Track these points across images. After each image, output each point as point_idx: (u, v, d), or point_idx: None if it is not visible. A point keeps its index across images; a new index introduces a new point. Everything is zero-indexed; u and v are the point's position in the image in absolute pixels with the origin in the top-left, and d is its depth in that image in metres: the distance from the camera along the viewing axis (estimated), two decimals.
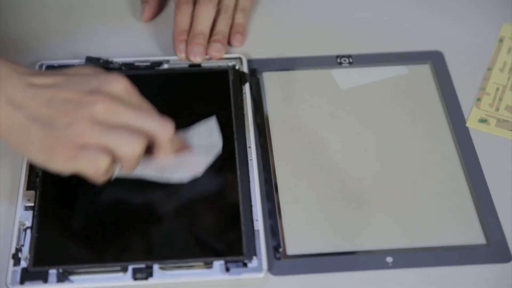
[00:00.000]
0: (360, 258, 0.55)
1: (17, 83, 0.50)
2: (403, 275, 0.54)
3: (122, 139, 0.50)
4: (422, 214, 0.57)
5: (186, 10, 0.66)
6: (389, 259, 0.55)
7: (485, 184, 0.59)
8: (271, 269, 0.54)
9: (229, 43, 0.67)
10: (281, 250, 0.55)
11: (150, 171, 0.54)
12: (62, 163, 0.50)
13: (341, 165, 0.60)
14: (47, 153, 0.50)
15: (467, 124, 0.63)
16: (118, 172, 0.52)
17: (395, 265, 0.54)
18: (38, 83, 0.51)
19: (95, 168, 0.50)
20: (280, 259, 0.55)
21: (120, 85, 0.51)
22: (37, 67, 0.63)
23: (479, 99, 0.65)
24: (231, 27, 0.68)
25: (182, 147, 0.55)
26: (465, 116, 0.63)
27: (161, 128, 0.52)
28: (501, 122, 0.63)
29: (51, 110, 0.50)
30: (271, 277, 0.54)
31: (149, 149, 0.53)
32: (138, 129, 0.51)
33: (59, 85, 0.51)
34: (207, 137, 0.58)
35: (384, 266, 0.54)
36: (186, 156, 0.55)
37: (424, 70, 0.66)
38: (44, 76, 0.51)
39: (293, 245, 0.55)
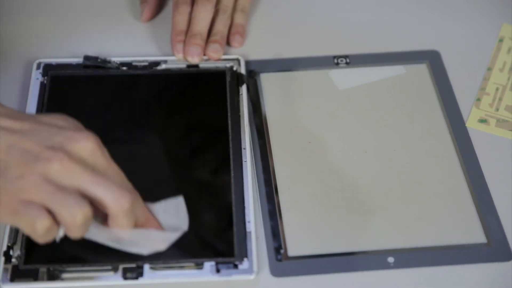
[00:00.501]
0: (361, 259, 0.55)
1: None
2: (405, 275, 0.54)
3: (65, 205, 0.47)
4: (422, 214, 0.57)
5: (184, 11, 0.66)
6: (391, 259, 0.55)
7: (485, 183, 0.59)
8: (273, 270, 0.54)
9: (228, 43, 0.67)
10: (282, 251, 0.55)
11: (103, 238, 0.51)
12: (3, 216, 0.48)
13: (341, 165, 0.60)
14: None
15: (467, 124, 0.63)
16: (61, 235, 0.49)
17: (397, 265, 0.54)
18: (5, 126, 0.49)
19: (31, 228, 0.47)
20: (282, 261, 0.55)
21: (85, 145, 0.48)
22: (35, 65, 0.64)
23: (479, 99, 0.64)
24: (230, 28, 0.68)
25: (148, 218, 0.52)
26: (464, 115, 0.63)
27: (115, 199, 0.48)
28: (501, 122, 0.63)
29: (8, 157, 0.48)
30: (273, 279, 0.54)
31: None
32: (91, 196, 0.48)
33: (24, 133, 0.49)
34: (173, 214, 0.53)
35: (386, 266, 0.54)
36: (148, 231, 0.52)
37: (421, 70, 0.66)
38: (13, 119, 0.49)
39: (294, 246, 0.55)
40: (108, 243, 0.51)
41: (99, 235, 0.50)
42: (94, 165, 0.49)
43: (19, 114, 0.51)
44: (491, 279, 0.54)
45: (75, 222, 0.47)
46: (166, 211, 0.53)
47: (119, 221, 0.49)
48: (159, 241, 0.52)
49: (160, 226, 0.52)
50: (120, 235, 0.50)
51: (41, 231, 0.47)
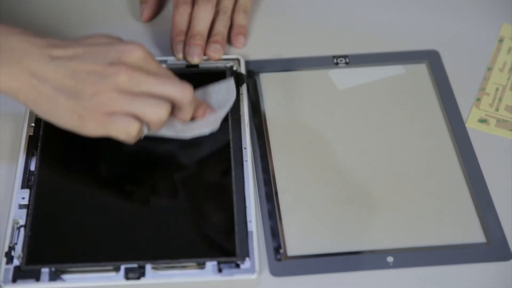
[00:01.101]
0: (361, 258, 0.55)
1: (38, 57, 0.53)
2: (404, 275, 0.54)
3: (148, 106, 0.53)
4: (422, 213, 0.57)
5: (184, 11, 0.66)
6: (390, 259, 0.55)
7: (484, 183, 0.59)
8: (272, 270, 0.54)
9: (231, 44, 0.67)
10: (281, 251, 0.55)
11: (171, 131, 0.58)
12: (93, 129, 0.53)
13: (341, 165, 0.60)
14: (77, 120, 0.53)
15: (467, 124, 0.63)
16: (146, 132, 0.55)
17: (396, 265, 0.55)
18: (59, 55, 0.53)
19: (126, 133, 0.53)
20: (281, 260, 0.55)
21: (138, 54, 0.54)
22: None
23: (478, 99, 0.65)
24: (232, 28, 0.68)
25: (201, 106, 0.58)
26: (464, 115, 0.63)
27: (181, 93, 0.54)
28: (501, 122, 0.63)
29: (75, 81, 0.52)
30: (272, 278, 0.54)
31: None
32: (160, 95, 0.54)
33: (80, 57, 0.53)
34: (224, 94, 0.61)
35: (385, 266, 0.54)
36: (202, 119, 0.59)
37: (421, 70, 0.66)
38: (63, 48, 0.54)
39: (294, 246, 0.55)
40: (173, 135, 0.58)
41: (168, 129, 0.57)
42: (148, 68, 0.54)
43: (65, 41, 0.55)
44: (490, 278, 0.54)
45: (161, 118, 0.54)
46: (218, 92, 0.61)
47: (187, 110, 0.56)
48: (214, 121, 0.59)
49: (210, 108, 0.59)
50: (184, 123, 0.58)
51: (134, 133, 0.53)
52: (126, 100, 0.53)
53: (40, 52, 0.53)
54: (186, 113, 0.57)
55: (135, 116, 0.53)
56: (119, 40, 0.55)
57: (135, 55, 0.54)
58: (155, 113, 0.53)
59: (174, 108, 0.56)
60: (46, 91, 0.52)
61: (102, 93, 0.52)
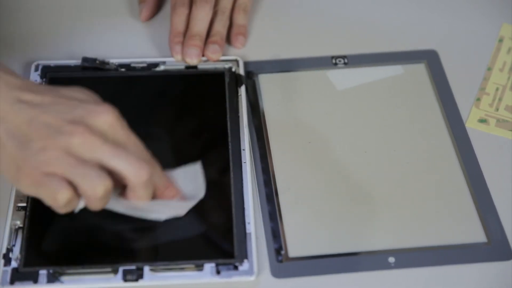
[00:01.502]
0: (362, 259, 0.55)
1: (5, 96, 0.50)
2: (406, 275, 0.54)
3: (87, 177, 0.49)
4: (422, 213, 0.57)
5: (182, 12, 0.66)
6: (391, 259, 0.55)
7: (485, 182, 0.59)
8: (273, 271, 0.54)
9: (231, 44, 0.67)
10: (283, 252, 0.55)
11: (122, 208, 0.53)
12: (26, 186, 0.49)
13: (341, 165, 0.60)
14: (15, 172, 0.49)
15: (467, 124, 0.63)
16: (81, 207, 0.50)
17: (397, 265, 0.55)
18: (26, 99, 0.50)
19: (53, 199, 0.49)
20: (282, 262, 0.55)
21: (105, 118, 0.50)
22: (33, 67, 0.64)
23: (478, 99, 0.65)
24: (231, 28, 0.68)
25: (167, 185, 0.54)
26: (463, 115, 0.63)
27: (134, 170, 0.50)
28: (501, 122, 0.63)
29: (30, 130, 0.49)
30: (274, 280, 0.54)
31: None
32: (111, 168, 0.49)
33: (45, 107, 0.50)
34: (191, 181, 0.55)
35: (387, 266, 0.54)
36: (166, 201, 0.53)
37: (419, 70, 0.66)
38: (33, 93, 0.50)
39: (295, 247, 0.55)
40: (127, 213, 0.53)
41: (118, 205, 0.52)
42: (114, 137, 0.50)
43: (38, 86, 0.52)
44: (491, 278, 0.54)
45: (96, 195, 0.49)
46: (184, 177, 0.55)
47: (137, 192, 0.51)
48: (178, 208, 0.54)
49: (179, 193, 0.54)
50: (139, 205, 0.52)
51: (62, 202, 0.49)
52: (69, 164, 0.48)
53: (8, 92, 0.50)
54: (138, 195, 0.51)
55: (71, 184, 0.49)
56: (95, 101, 0.51)
57: (102, 118, 0.50)
58: (91, 186, 0.48)
59: (126, 186, 0.51)
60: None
61: (49, 149, 0.48)
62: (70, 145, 0.49)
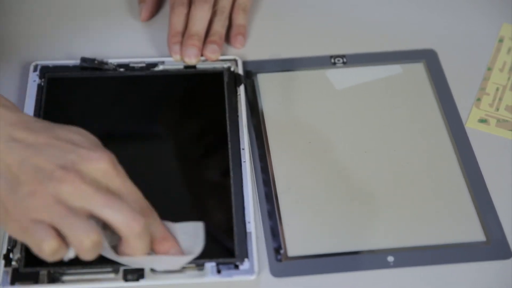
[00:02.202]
0: (361, 258, 0.55)
1: None
2: (405, 274, 0.54)
3: (74, 229, 0.46)
4: (422, 213, 0.57)
5: (181, 12, 0.66)
6: (390, 259, 0.55)
7: (484, 182, 0.59)
8: (273, 271, 0.54)
9: (230, 44, 0.67)
10: (282, 251, 0.55)
11: (116, 258, 0.51)
12: (13, 231, 0.48)
13: (340, 165, 0.60)
14: (3, 214, 0.47)
15: (467, 124, 0.63)
16: (71, 256, 0.48)
17: (396, 264, 0.55)
18: (19, 138, 0.48)
19: (38, 248, 0.47)
20: (281, 261, 0.55)
21: (99, 165, 0.48)
22: (32, 67, 0.64)
23: (479, 99, 0.65)
24: (231, 28, 0.68)
25: (165, 237, 0.51)
26: (463, 115, 0.63)
27: (127, 222, 0.48)
28: (501, 122, 0.63)
29: (20, 172, 0.47)
30: (273, 279, 0.54)
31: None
32: (102, 219, 0.48)
33: (38, 148, 0.48)
34: (191, 236, 0.53)
35: (386, 265, 0.55)
36: (161, 256, 0.51)
37: (418, 69, 0.66)
38: (28, 131, 0.49)
39: (294, 246, 0.55)
40: (122, 262, 0.51)
41: (112, 255, 0.50)
42: (107, 185, 0.48)
43: (35, 124, 0.50)
44: (490, 277, 0.54)
45: (82, 248, 0.47)
46: (184, 232, 0.53)
47: (131, 244, 0.49)
48: (173, 262, 0.52)
49: (176, 245, 0.52)
50: (134, 256, 0.50)
51: (48, 252, 0.47)
52: (58, 213, 0.46)
53: (2, 128, 0.48)
54: (132, 249, 0.49)
55: (58, 234, 0.47)
56: (92, 144, 0.49)
57: (95, 166, 0.47)
58: (77, 238, 0.46)
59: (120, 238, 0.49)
60: None
61: (38, 195, 0.46)
62: (60, 192, 0.46)
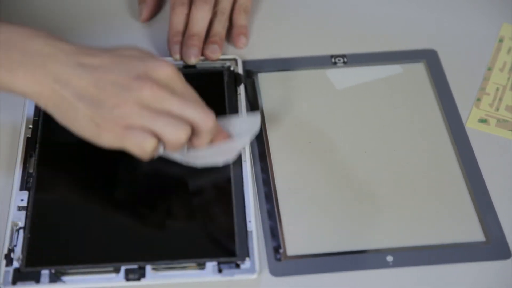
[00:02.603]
0: (360, 258, 0.55)
1: (64, 62, 0.52)
2: (404, 274, 0.54)
3: (169, 126, 0.52)
4: (421, 213, 0.57)
5: (181, 12, 0.66)
6: (390, 258, 0.55)
7: (483, 182, 0.59)
8: (272, 270, 0.54)
9: (233, 44, 0.67)
10: (281, 251, 0.55)
11: (182, 156, 0.56)
12: (109, 140, 0.52)
13: (340, 165, 0.60)
14: (95, 129, 0.52)
15: (467, 124, 0.63)
16: (162, 152, 0.54)
17: (396, 264, 0.55)
18: (86, 62, 0.52)
19: (141, 149, 0.52)
20: (281, 260, 0.55)
21: (166, 71, 0.53)
22: None
23: (479, 99, 0.65)
24: (232, 29, 0.68)
25: (219, 130, 0.57)
26: (463, 115, 0.64)
27: (203, 118, 0.53)
28: (501, 122, 0.63)
29: (98, 90, 0.51)
30: (272, 278, 0.54)
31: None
32: (181, 116, 0.53)
33: (107, 67, 0.52)
34: (246, 125, 0.59)
35: (385, 265, 0.55)
36: (220, 144, 0.57)
37: (418, 69, 0.66)
38: (91, 56, 0.53)
39: (294, 246, 0.56)
40: (182, 160, 0.56)
41: (181, 153, 0.56)
42: (174, 88, 0.53)
43: (93, 50, 0.54)
44: (490, 277, 0.54)
45: (180, 140, 0.53)
46: (241, 124, 0.59)
47: (204, 137, 0.55)
48: (229, 152, 0.57)
49: (228, 136, 0.57)
50: (200, 150, 0.56)
51: (150, 149, 0.52)
52: (146, 117, 0.52)
53: (66, 58, 0.52)
54: (203, 140, 0.55)
55: (154, 133, 0.52)
56: (150, 56, 0.54)
57: (163, 72, 0.53)
58: (175, 134, 0.52)
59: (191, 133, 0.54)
60: (67, 97, 0.51)
61: (123, 105, 0.51)
62: (141, 99, 0.52)
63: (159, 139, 0.52)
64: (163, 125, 0.52)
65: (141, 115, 0.51)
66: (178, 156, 0.56)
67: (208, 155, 0.56)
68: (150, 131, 0.52)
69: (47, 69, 0.51)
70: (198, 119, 0.53)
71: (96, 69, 0.52)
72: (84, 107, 0.51)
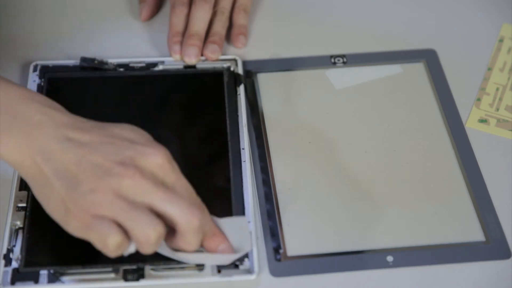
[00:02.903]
0: (360, 258, 0.55)
1: (52, 134, 0.48)
2: (404, 274, 0.54)
3: (139, 223, 0.47)
4: (421, 213, 0.57)
5: (181, 12, 0.66)
6: (390, 258, 0.55)
7: (483, 182, 0.59)
8: (272, 270, 0.54)
9: (232, 44, 0.67)
10: (281, 251, 0.55)
11: (168, 253, 0.51)
12: (75, 229, 0.48)
13: (340, 165, 0.60)
14: (64, 213, 0.48)
15: (467, 124, 0.63)
16: (132, 251, 0.49)
17: (396, 264, 0.55)
18: (74, 138, 0.49)
19: (103, 243, 0.47)
20: (281, 261, 0.55)
21: (156, 160, 0.48)
22: (32, 67, 0.64)
23: (479, 99, 0.65)
24: (232, 28, 0.68)
25: (215, 233, 0.52)
26: (464, 115, 0.64)
27: (185, 217, 0.48)
28: (501, 122, 0.63)
29: (79, 171, 0.48)
30: (272, 279, 0.54)
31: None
32: (161, 212, 0.48)
33: (94, 146, 0.48)
34: (237, 231, 0.53)
35: (385, 265, 0.55)
36: (212, 254, 0.52)
37: (418, 69, 0.66)
38: (81, 131, 0.49)
39: (293, 246, 0.55)
40: (176, 258, 0.51)
41: (164, 250, 0.50)
42: (163, 179, 0.49)
43: (86, 124, 0.50)
44: (490, 277, 0.54)
45: (149, 241, 0.47)
46: (231, 227, 0.52)
47: (188, 238, 0.49)
48: (224, 259, 0.52)
49: (226, 241, 0.52)
50: (187, 252, 0.50)
51: (112, 246, 0.47)
52: (120, 208, 0.47)
53: (55, 130, 0.49)
54: (187, 244, 0.49)
55: (121, 228, 0.47)
56: (145, 139, 0.50)
57: (152, 161, 0.48)
58: (144, 232, 0.47)
59: (175, 233, 0.49)
60: (46, 172, 0.48)
61: (99, 191, 0.47)
62: (120, 188, 0.47)
63: (128, 236, 0.48)
64: (133, 220, 0.47)
65: (114, 205, 0.47)
66: (163, 251, 0.51)
67: (198, 257, 0.51)
68: (117, 226, 0.47)
69: (33, 139, 0.48)
70: (179, 216, 0.48)
71: (82, 146, 0.48)
72: (59, 186, 0.47)
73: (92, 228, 0.47)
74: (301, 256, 0.55)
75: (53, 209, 0.48)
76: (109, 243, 0.47)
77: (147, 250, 0.48)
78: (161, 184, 0.48)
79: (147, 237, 0.47)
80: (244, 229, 0.53)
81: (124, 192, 0.47)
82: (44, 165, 0.48)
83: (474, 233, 0.56)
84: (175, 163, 0.50)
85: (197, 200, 0.50)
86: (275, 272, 0.54)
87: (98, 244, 0.47)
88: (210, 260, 0.52)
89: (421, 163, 0.60)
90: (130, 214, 0.47)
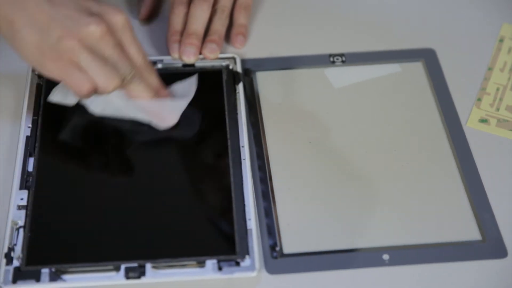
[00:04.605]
0: (356, 256, 0.55)
1: None
2: (400, 272, 0.55)
3: (103, 73, 0.54)
4: (418, 211, 0.57)
5: (180, 11, 0.66)
6: (386, 256, 0.55)
7: (480, 180, 0.59)
8: (268, 268, 0.54)
9: (230, 43, 0.67)
10: (277, 249, 0.55)
11: (126, 104, 0.58)
12: (52, 71, 0.54)
13: (336, 163, 0.60)
14: (39, 57, 0.53)
15: (468, 124, 0.63)
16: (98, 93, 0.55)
17: (392, 262, 0.55)
18: None
19: (79, 89, 0.54)
20: (277, 258, 0.55)
21: (120, 18, 0.55)
22: (31, 67, 0.63)
23: (479, 99, 0.65)
24: (232, 28, 0.68)
25: (161, 88, 0.59)
26: (465, 115, 0.64)
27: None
28: (501, 122, 0.63)
29: (50, 20, 0.53)
30: (268, 276, 0.54)
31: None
32: (114, 65, 0.55)
33: (65, 3, 0.54)
34: (186, 89, 0.61)
35: (381, 263, 0.55)
36: (159, 102, 0.59)
37: (417, 68, 0.67)
38: None
39: (290, 243, 0.56)
40: (119, 112, 0.59)
41: (118, 99, 0.58)
42: (121, 37, 0.55)
43: None
44: (486, 276, 0.55)
45: (108, 89, 0.55)
46: (180, 89, 0.61)
47: (132, 88, 0.57)
48: (170, 114, 0.59)
49: (168, 95, 0.60)
50: (141, 103, 0.58)
51: (85, 92, 0.54)
52: (87, 57, 0.53)
53: None
54: (131, 90, 0.57)
55: (91, 78, 0.54)
56: (111, 5, 0.56)
57: (117, 17, 0.54)
58: (107, 82, 0.54)
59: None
60: (17, 21, 0.53)
61: (68, 38, 0.53)
62: (87, 36, 0.53)
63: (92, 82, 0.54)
64: (99, 71, 0.53)
65: (82, 54, 0.53)
66: (120, 102, 0.58)
67: (149, 110, 0.59)
68: (88, 76, 0.54)
69: None
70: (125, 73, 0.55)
71: (55, 3, 0.53)
72: (31, 33, 0.52)
73: (69, 74, 0.53)
74: (297, 254, 0.55)
75: (28, 54, 0.54)
76: (83, 91, 0.54)
77: (104, 93, 0.55)
78: (121, 40, 0.55)
79: (108, 86, 0.54)
80: (193, 84, 0.61)
81: (89, 41, 0.53)
82: (17, 14, 0.53)
83: (471, 232, 0.56)
84: (132, 27, 0.56)
85: (144, 58, 0.57)
86: (271, 270, 0.54)
87: (73, 88, 0.54)
88: (159, 112, 0.59)
89: (418, 162, 0.60)
90: (96, 64, 0.53)
